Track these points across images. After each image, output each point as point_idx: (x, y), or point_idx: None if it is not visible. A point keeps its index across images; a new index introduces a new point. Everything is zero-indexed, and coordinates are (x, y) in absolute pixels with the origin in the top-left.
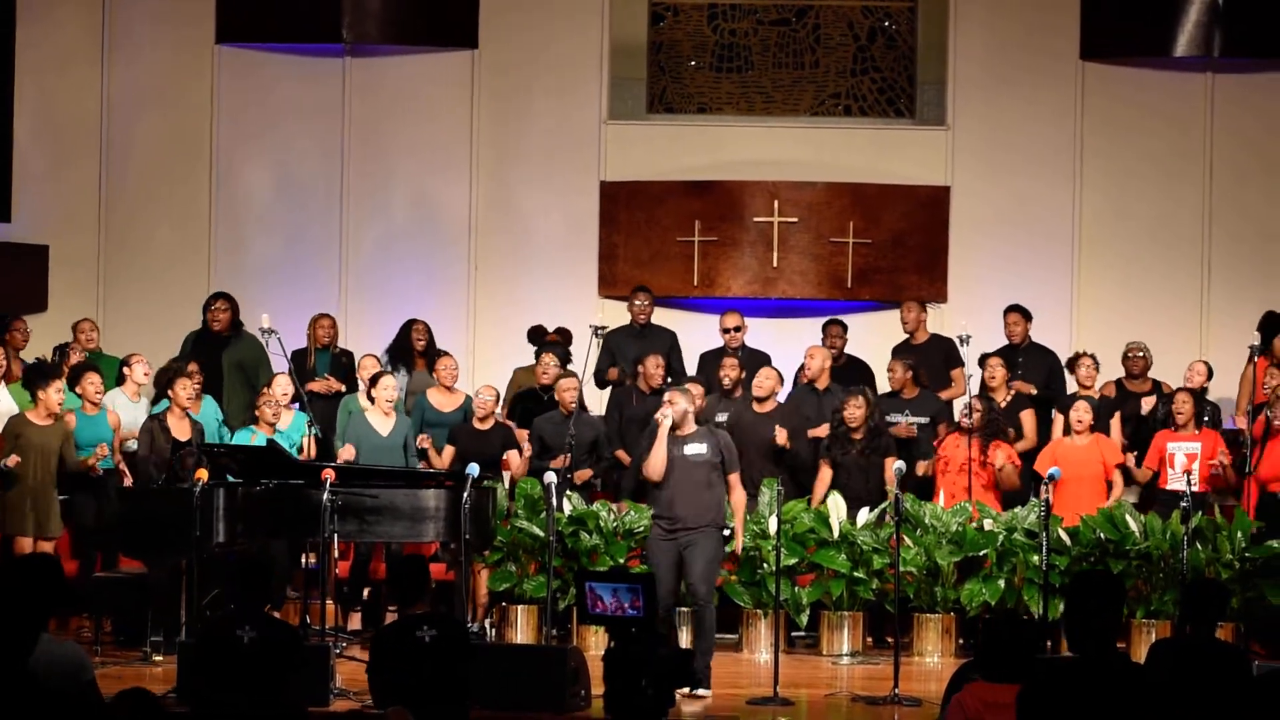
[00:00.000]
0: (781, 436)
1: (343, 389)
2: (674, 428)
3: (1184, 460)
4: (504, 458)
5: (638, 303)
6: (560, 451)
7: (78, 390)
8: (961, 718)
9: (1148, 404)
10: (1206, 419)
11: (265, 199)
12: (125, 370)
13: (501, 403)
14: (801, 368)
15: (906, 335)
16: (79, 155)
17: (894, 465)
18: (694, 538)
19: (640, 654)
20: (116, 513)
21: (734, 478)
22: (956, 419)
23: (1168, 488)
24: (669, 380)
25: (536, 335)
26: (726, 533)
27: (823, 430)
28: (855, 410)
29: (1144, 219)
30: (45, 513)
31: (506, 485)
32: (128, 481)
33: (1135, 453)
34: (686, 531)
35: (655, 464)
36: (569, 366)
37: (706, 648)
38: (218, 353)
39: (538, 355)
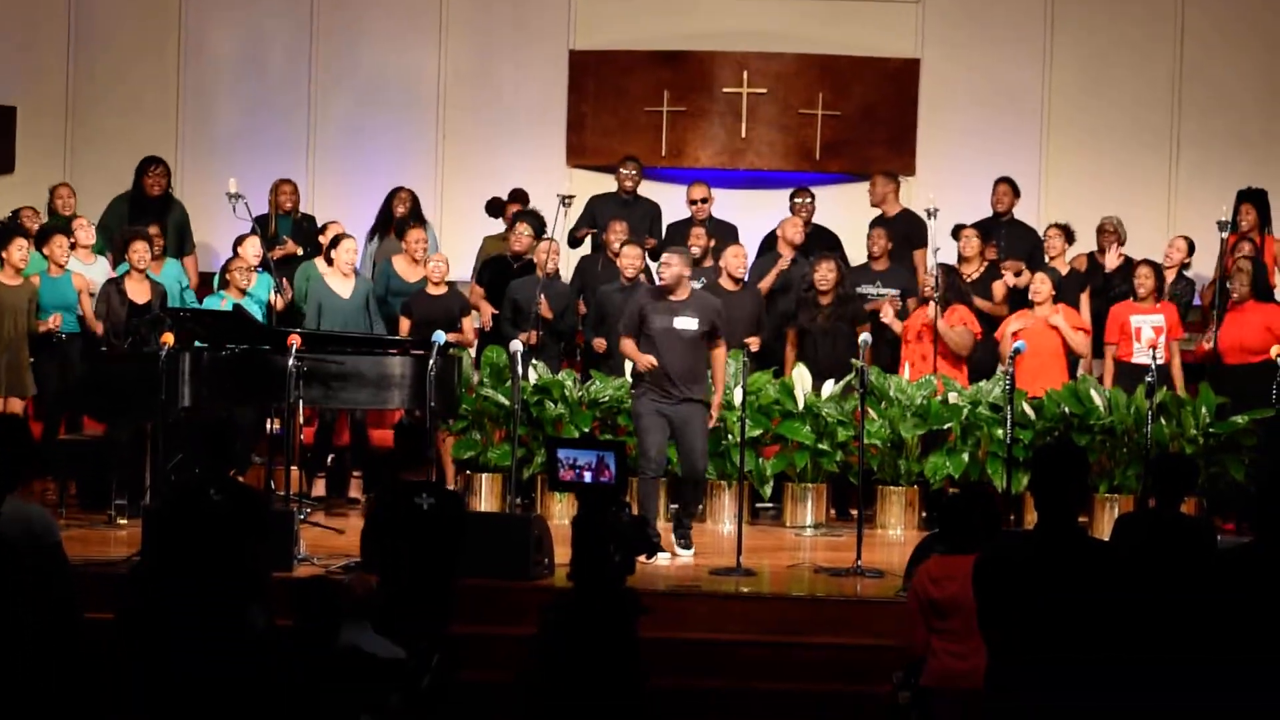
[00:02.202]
0: (754, 344)
1: (299, 252)
2: (668, 291)
3: (1150, 333)
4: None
5: (625, 171)
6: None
7: (45, 252)
8: (913, 596)
9: (1113, 262)
10: (1178, 293)
11: (233, 65)
12: (72, 234)
13: (472, 271)
14: (774, 240)
15: (876, 208)
16: (47, 18)
17: (860, 337)
18: (687, 414)
19: (609, 521)
20: (81, 376)
21: (723, 347)
22: (920, 290)
23: (1132, 360)
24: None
25: (495, 207)
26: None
27: (754, 343)
28: (826, 274)
29: (1114, 93)
30: (18, 372)
31: (471, 353)
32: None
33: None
34: (678, 404)
35: (624, 351)
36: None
37: (692, 513)
38: (156, 217)
39: (512, 223)
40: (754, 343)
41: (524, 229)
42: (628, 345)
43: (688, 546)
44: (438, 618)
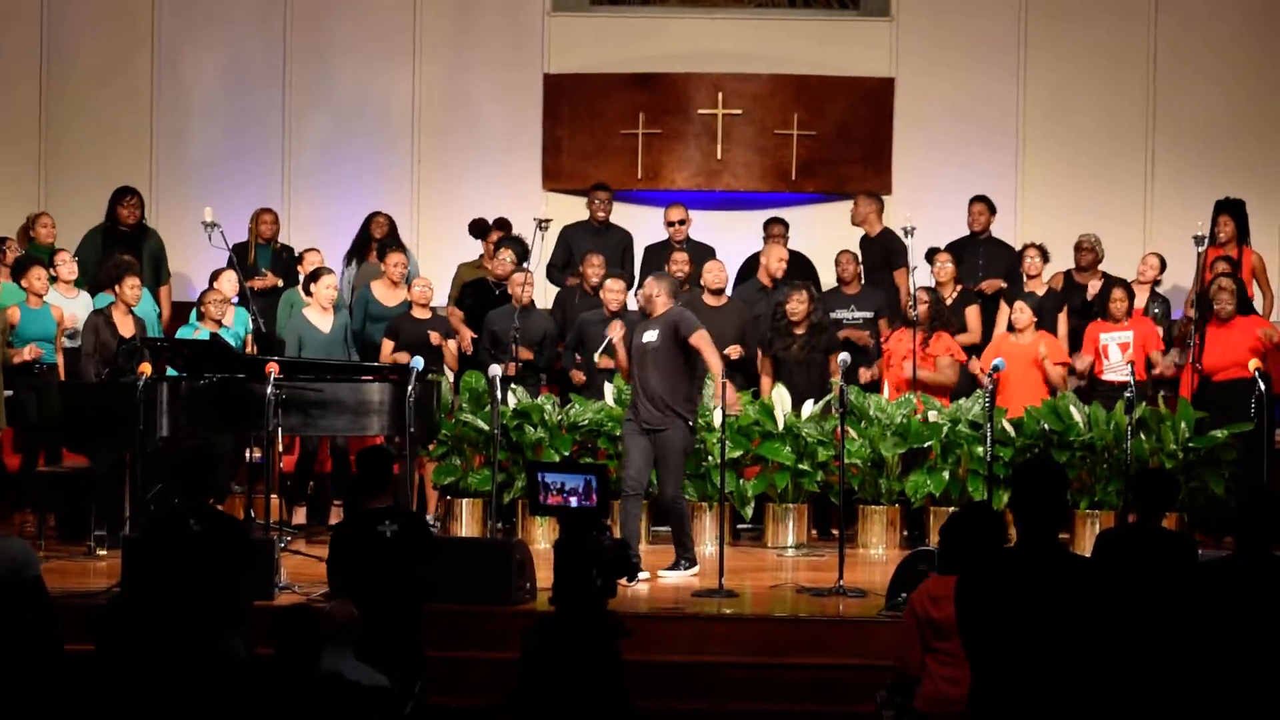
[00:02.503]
0: (735, 351)
1: (279, 284)
2: (643, 315)
3: (1117, 352)
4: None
5: (597, 200)
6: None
7: (23, 283)
8: (910, 616)
9: (1094, 289)
10: (1156, 311)
11: (207, 90)
12: (53, 267)
13: (447, 298)
14: (754, 265)
15: (858, 227)
16: (18, 44)
17: (839, 357)
18: (662, 441)
19: (591, 545)
20: (59, 407)
21: (697, 338)
22: (902, 310)
23: (1104, 378)
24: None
25: (479, 228)
26: (714, 407)
27: (734, 351)
28: (797, 305)
29: (1088, 110)
30: None
31: (450, 378)
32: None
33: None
34: (657, 429)
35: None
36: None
37: (686, 538)
38: (132, 247)
39: (497, 248)
40: (734, 350)
41: (507, 254)
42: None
43: (690, 565)
44: (410, 644)
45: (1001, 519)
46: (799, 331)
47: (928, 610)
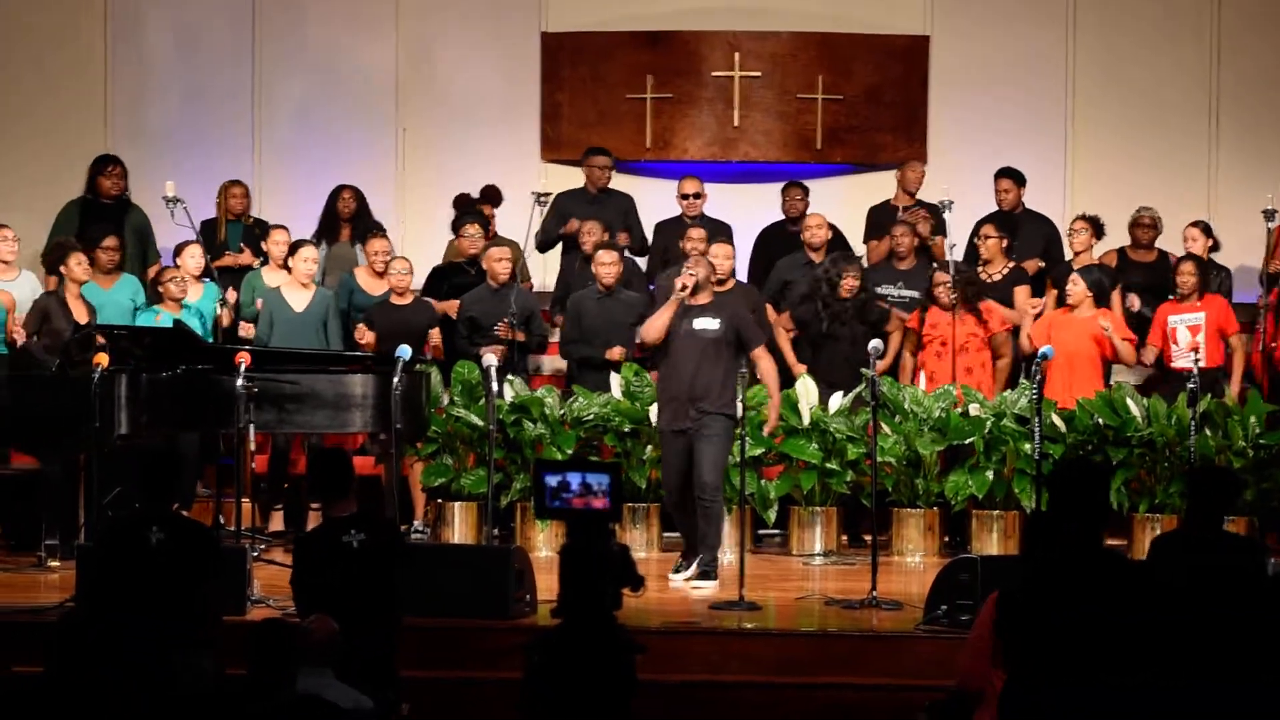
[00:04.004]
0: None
1: (255, 263)
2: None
3: (1187, 335)
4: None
5: (596, 167)
6: (497, 332)
7: None
8: (984, 622)
9: (1134, 302)
10: (1218, 287)
11: (166, 55)
12: None
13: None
14: (776, 237)
15: (905, 197)
16: None
17: (870, 344)
18: (702, 428)
19: (601, 551)
20: (4, 401)
21: (759, 351)
22: (934, 292)
23: (1173, 366)
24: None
25: (465, 204)
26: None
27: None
28: (852, 282)
29: (1145, 69)
30: None
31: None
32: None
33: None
34: (697, 419)
35: (653, 326)
36: (504, 235)
37: (714, 542)
38: (113, 223)
39: (455, 226)
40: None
41: (474, 230)
42: (649, 323)
43: (684, 569)
44: (383, 663)
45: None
46: (845, 308)
47: None
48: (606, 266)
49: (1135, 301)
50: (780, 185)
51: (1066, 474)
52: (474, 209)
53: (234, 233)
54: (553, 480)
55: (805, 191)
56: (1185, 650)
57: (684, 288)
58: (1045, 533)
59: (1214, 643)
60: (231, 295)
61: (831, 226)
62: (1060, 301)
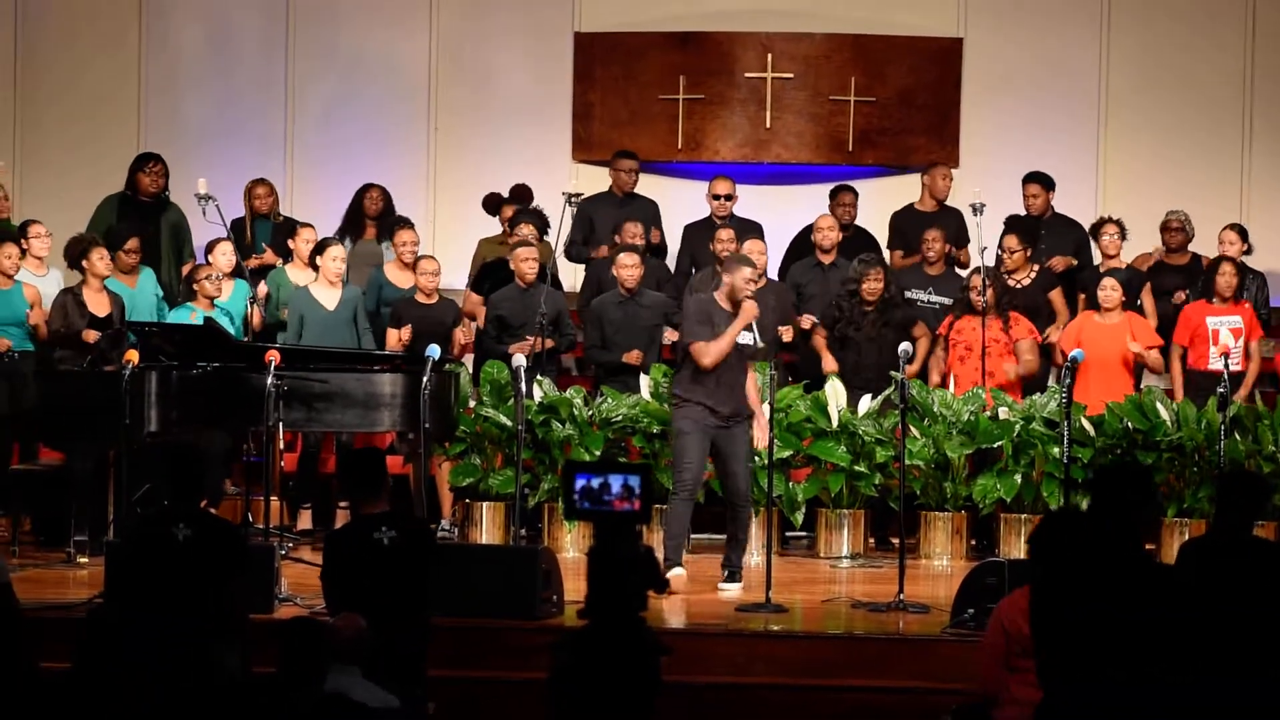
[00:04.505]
0: (788, 333)
1: (279, 263)
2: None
3: (1229, 337)
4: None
5: (623, 170)
6: (525, 331)
7: None
8: (996, 632)
9: (1179, 297)
10: (1257, 291)
11: (199, 50)
12: (23, 241)
13: (468, 279)
14: (808, 240)
15: (933, 201)
16: None
17: (900, 347)
18: (736, 434)
19: (629, 551)
20: (35, 399)
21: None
22: (969, 297)
23: (1207, 368)
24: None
25: (492, 204)
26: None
27: (787, 332)
28: (874, 284)
29: (1178, 73)
30: None
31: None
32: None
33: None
34: (730, 425)
35: (716, 351)
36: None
37: (742, 541)
38: (151, 221)
39: (513, 224)
40: (787, 331)
41: (527, 230)
42: (714, 346)
43: (734, 579)
44: (413, 661)
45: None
46: (870, 309)
47: (1019, 625)
48: (628, 269)
49: (1180, 295)
50: (810, 187)
51: (1110, 476)
52: (529, 209)
53: (262, 231)
54: (592, 482)
55: (855, 196)
56: (1201, 646)
57: (748, 321)
58: (1062, 534)
59: (1232, 639)
60: (263, 289)
61: (859, 228)
62: (1091, 304)
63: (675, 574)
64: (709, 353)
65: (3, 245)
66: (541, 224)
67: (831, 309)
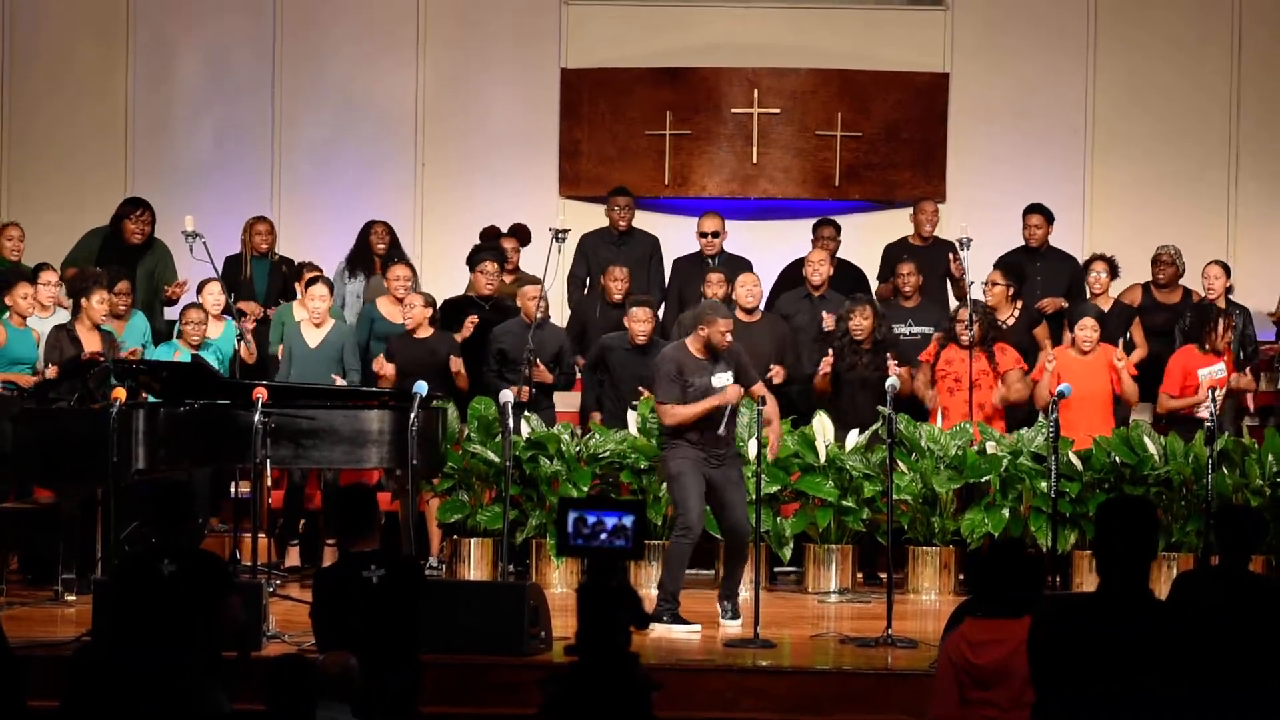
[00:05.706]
0: (779, 374)
1: (261, 314)
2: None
3: (1218, 390)
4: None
5: (617, 207)
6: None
7: (6, 300)
8: (945, 663)
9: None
10: (1242, 328)
11: (188, 86)
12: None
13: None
14: (798, 274)
15: (918, 237)
16: None
17: (888, 382)
18: (731, 473)
19: (620, 588)
20: (22, 436)
21: (757, 389)
22: (954, 330)
23: (1199, 415)
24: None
25: (492, 236)
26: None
27: (778, 374)
28: (862, 321)
29: (1164, 107)
30: None
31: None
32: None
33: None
34: (724, 463)
35: (681, 416)
36: (531, 272)
37: (738, 578)
38: (130, 263)
39: (474, 263)
40: (778, 373)
41: (492, 268)
42: (680, 411)
43: (735, 616)
44: (404, 699)
45: (1038, 555)
46: (865, 347)
47: (965, 656)
48: (641, 324)
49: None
50: (796, 222)
51: (1118, 511)
52: (495, 246)
53: (260, 270)
54: (586, 518)
55: (837, 229)
56: (1194, 659)
57: (726, 403)
58: (1003, 571)
59: (1225, 652)
60: (250, 324)
61: (847, 263)
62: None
63: (693, 630)
64: (674, 416)
65: (17, 286)
66: (501, 259)
67: (817, 348)
